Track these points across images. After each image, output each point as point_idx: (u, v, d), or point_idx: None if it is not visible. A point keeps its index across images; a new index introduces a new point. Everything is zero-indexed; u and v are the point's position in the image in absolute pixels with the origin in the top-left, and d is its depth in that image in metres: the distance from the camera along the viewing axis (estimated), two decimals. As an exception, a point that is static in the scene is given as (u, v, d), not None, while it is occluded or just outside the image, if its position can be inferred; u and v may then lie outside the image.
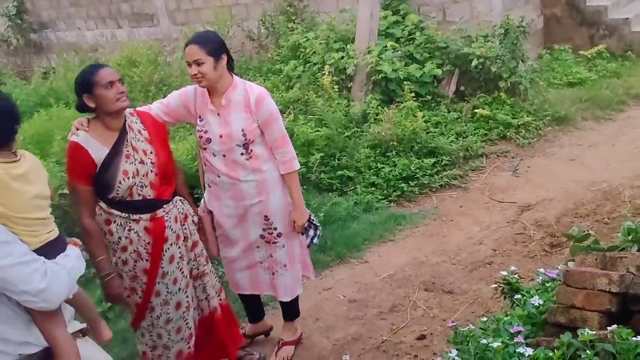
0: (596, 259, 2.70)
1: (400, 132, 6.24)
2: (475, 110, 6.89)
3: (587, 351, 2.16)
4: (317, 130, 6.14)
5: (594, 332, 2.19)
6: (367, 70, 6.94)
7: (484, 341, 2.48)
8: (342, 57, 7.19)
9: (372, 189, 5.83)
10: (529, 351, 2.31)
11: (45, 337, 1.98)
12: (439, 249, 4.70)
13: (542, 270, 3.12)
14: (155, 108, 3.30)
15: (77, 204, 2.88)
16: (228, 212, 3.32)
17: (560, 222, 4.90)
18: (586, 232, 3.52)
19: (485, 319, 2.78)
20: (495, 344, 2.39)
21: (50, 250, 2.04)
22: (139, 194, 2.89)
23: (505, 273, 3.15)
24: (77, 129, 2.83)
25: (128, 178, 2.84)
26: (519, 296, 2.93)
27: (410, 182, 5.86)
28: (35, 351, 1.98)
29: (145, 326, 3.09)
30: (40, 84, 8.94)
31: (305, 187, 5.53)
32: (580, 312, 2.44)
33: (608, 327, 2.23)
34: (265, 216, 3.29)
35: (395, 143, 6.20)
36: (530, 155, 6.46)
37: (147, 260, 2.95)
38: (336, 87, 6.96)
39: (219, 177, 3.25)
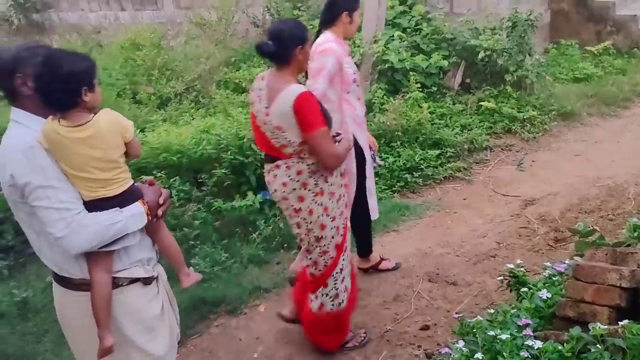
0: (606, 254, 2.69)
1: (405, 123, 6.21)
2: (481, 103, 6.86)
3: (598, 345, 2.14)
4: (322, 119, 6.08)
5: (605, 327, 2.18)
6: (373, 59, 6.89)
7: (492, 333, 2.46)
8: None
9: (376, 178, 5.77)
10: (538, 344, 2.29)
11: (88, 270, 2.14)
12: (443, 241, 4.68)
13: (548, 264, 3.11)
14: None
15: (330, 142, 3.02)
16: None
17: (565, 217, 4.88)
18: (591, 227, 3.51)
19: (492, 310, 2.77)
20: (503, 336, 2.37)
21: (104, 204, 2.12)
22: None
23: (511, 266, 3.14)
24: None
25: None
26: (525, 289, 2.91)
27: (414, 173, 5.83)
28: (74, 277, 2.17)
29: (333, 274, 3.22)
30: (43, 65, 8.84)
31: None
32: (590, 306, 2.43)
33: (618, 322, 2.22)
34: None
35: (399, 133, 6.16)
36: (535, 149, 6.44)
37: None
38: (342, 75, 6.91)
39: (357, 110, 3.75)
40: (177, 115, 6.40)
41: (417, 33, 7.43)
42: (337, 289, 3.24)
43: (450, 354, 2.48)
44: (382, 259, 4.29)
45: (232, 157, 4.86)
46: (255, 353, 3.50)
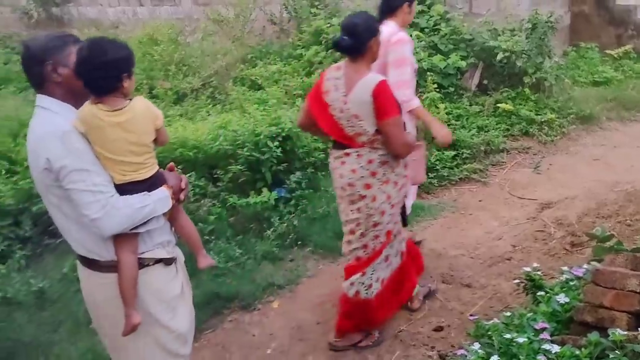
0: (626, 260, 2.66)
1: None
2: (498, 105, 6.81)
3: (617, 351, 2.12)
4: (338, 117, 6.07)
5: (624, 333, 2.15)
6: (391, 59, 6.86)
7: (508, 336, 2.44)
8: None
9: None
10: (556, 348, 2.27)
11: (115, 252, 2.22)
12: (458, 242, 4.65)
13: (565, 268, 3.08)
14: None
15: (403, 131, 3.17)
16: None
17: (582, 222, 4.83)
18: (609, 232, 3.47)
19: (508, 313, 2.75)
20: (520, 339, 2.35)
21: (134, 187, 2.21)
22: None
23: (527, 269, 3.12)
24: None
25: None
26: (542, 293, 2.89)
27: (429, 173, 5.79)
28: (102, 260, 2.24)
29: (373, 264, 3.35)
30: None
31: (323, 173, 5.50)
32: (609, 312, 2.40)
33: (638, 328, 2.20)
34: None
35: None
36: (553, 152, 6.38)
37: None
38: (358, 74, 6.89)
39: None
40: (193, 111, 6.42)
41: (436, 33, 7.38)
42: (372, 279, 3.36)
43: (466, 356, 2.47)
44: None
45: (248, 153, 4.86)
46: (268, 349, 3.51)
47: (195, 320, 2.61)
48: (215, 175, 4.98)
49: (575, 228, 4.74)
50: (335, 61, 7.20)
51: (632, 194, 5.14)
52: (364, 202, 3.23)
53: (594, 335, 2.21)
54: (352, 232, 3.33)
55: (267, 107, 5.70)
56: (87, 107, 2.15)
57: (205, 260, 2.58)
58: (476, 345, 2.46)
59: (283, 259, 4.47)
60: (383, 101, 3.03)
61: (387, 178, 3.22)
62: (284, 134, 5.06)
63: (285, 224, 4.68)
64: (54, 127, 2.10)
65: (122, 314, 2.25)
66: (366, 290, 3.35)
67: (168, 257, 2.37)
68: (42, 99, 2.19)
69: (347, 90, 3.09)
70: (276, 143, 4.96)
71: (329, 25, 7.75)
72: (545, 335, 2.40)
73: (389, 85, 3.10)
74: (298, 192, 5.04)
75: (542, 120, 6.76)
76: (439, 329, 3.58)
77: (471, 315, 3.60)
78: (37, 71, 2.17)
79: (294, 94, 6.60)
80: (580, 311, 2.49)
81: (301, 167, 5.24)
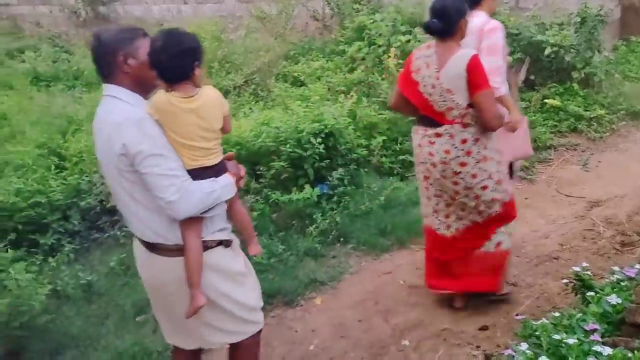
0: (681, 260, 2.56)
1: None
2: (545, 100, 6.66)
3: (672, 355, 2.04)
4: (381, 114, 6.04)
5: (681, 336, 2.08)
6: (434, 54, 6.77)
7: (557, 336, 2.38)
8: (409, 41, 7.04)
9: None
10: (607, 350, 2.20)
11: (182, 236, 2.31)
12: (503, 240, 4.56)
13: (616, 268, 2.98)
14: None
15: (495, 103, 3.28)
16: None
17: (632, 221, 4.69)
18: (663, 232, 3.36)
19: (557, 314, 2.68)
20: (570, 341, 2.29)
21: (203, 173, 2.30)
22: None
23: (577, 269, 3.03)
24: None
25: None
26: (591, 293, 2.81)
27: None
28: (170, 244, 2.32)
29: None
30: (109, 57, 9.06)
31: (365, 169, 5.47)
32: (663, 313, 2.32)
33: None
34: None
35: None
36: (602, 149, 6.21)
37: None
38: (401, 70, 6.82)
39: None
40: (236, 108, 6.46)
41: (480, 27, 7.26)
42: (505, 232, 3.58)
43: (513, 356, 2.42)
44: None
45: (290, 150, 4.87)
46: (311, 345, 3.50)
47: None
48: (258, 172, 5.01)
49: (626, 227, 4.61)
50: (378, 57, 7.19)
51: (685, 193, 4.97)
52: (459, 177, 3.36)
53: (647, 338, 2.14)
54: (449, 204, 3.49)
55: (309, 104, 5.70)
56: (162, 94, 2.26)
57: (256, 247, 2.69)
58: (524, 346, 2.41)
59: (325, 255, 4.47)
60: (476, 74, 3.16)
61: (482, 156, 3.33)
62: (326, 131, 5.05)
63: (328, 221, 4.67)
64: (129, 114, 2.19)
65: (183, 296, 2.36)
66: (505, 241, 3.58)
67: (228, 239, 2.48)
68: (111, 88, 2.27)
69: (440, 66, 3.21)
70: (319, 140, 4.96)
71: (371, 21, 7.70)
72: (595, 337, 2.32)
73: (480, 60, 3.20)
74: (340, 188, 5.03)
75: (591, 116, 6.58)
76: (484, 328, 3.51)
77: (517, 314, 3.54)
78: (108, 61, 2.26)
79: (337, 90, 6.58)
80: (632, 312, 2.41)
81: (343, 163, 5.22)
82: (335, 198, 4.96)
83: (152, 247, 2.36)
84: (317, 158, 4.93)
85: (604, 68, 7.01)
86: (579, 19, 6.95)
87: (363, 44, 7.58)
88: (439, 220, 3.58)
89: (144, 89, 2.31)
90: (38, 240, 4.23)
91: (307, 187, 4.80)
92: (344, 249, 4.55)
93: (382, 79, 6.62)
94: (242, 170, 2.56)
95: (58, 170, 4.85)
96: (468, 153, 3.30)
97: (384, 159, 5.76)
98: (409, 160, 5.78)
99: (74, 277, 4.01)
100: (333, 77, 6.95)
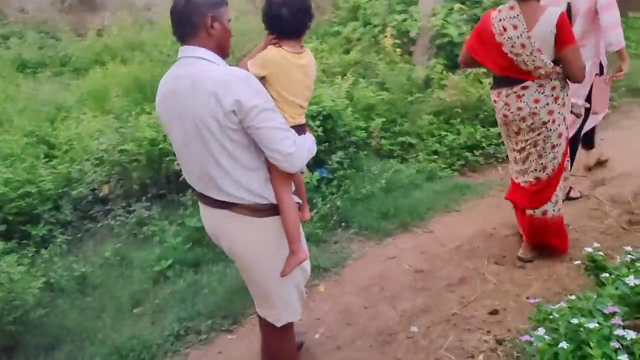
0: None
1: (465, 99, 5.96)
2: (545, 79, 6.53)
3: (699, 337, 1.94)
4: (379, 94, 5.91)
5: None
6: (432, 33, 6.63)
7: (575, 320, 2.28)
8: (405, 20, 6.90)
9: (435, 157, 5.59)
10: (631, 334, 2.10)
11: (276, 194, 2.37)
12: (508, 222, 4.44)
13: (629, 248, 2.88)
14: None
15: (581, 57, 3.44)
16: None
17: (639, 199, 4.59)
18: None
19: (573, 296, 2.58)
20: (591, 325, 2.19)
21: (298, 130, 2.37)
22: None
23: (589, 249, 2.94)
24: None
25: None
26: (606, 275, 2.70)
27: (475, 151, 5.60)
28: (265, 203, 2.36)
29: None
30: (95, 41, 8.89)
31: (365, 152, 5.35)
32: (685, 294, 2.22)
33: None
34: None
35: (459, 110, 5.92)
36: (603, 127, 6.07)
37: None
38: (398, 50, 6.68)
39: None
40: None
41: (478, 5, 7.11)
42: (557, 196, 3.79)
43: (532, 342, 2.32)
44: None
45: (289, 133, 4.73)
46: (316, 334, 3.39)
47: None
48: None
49: (632, 205, 4.52)
50: (374, 37, 7.04)
51: (690, 169, 4.88)
52: (544, 128, 3.55)
53: (672, 320, 2.04)
54: (527, 157, 3.69)
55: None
56: (274, 50, 2.36)
57: (308, 213, 2.79)
58: (541, 331, 2.31)
59: (327, 241, 4.34)
60: (565, 30, 3.32)
61: (564, 101, 3.56)
62: (324, 113, 4.92)
63: (328, 205, 4.54)
64: (234, 72, 2.22)
65: (276, 257, 2.44)
66: (553, 207, 3.80)
67: (299, 201, 2.56)
68: (196, 50, 2.26)
69: (530, 26, 3.34)
70: (317, 122, 4.82)
71: (366, 0, 7.54)
72: (617, 320, 2.22)
73: (567, 17, 3.36)
74: (340, 172, 4.91)
75: (592, 93, 6.45)
76: (494, 312, 3.40)
77: (528, 298, 3.44)
78: (194, 21, 2.25)
79: (332, 72, 6.43)
80: (653, 294, 2.31)
81: (342, 146, 5.10)
82: (335, 182, 4.84)
83: (245, 209, 2.35)
84: (316, 141, 4.79)
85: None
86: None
87: (358, 24, 7.43)
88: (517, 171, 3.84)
89: (221, 54, 2.33)
90: (29, 231, 4.10)
91: (306, 170, 4.66)
92: (346, 234, 4.43)
93: (379, 59, 6.47)
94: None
95: (47, 159, 4.71)
96: (556, 98, 3.49)
97: (383, 141, 5.64)
98: (408, 142, 5.67)
99: (67, 269, 3.88)
100: (329, 58, 6.80)
